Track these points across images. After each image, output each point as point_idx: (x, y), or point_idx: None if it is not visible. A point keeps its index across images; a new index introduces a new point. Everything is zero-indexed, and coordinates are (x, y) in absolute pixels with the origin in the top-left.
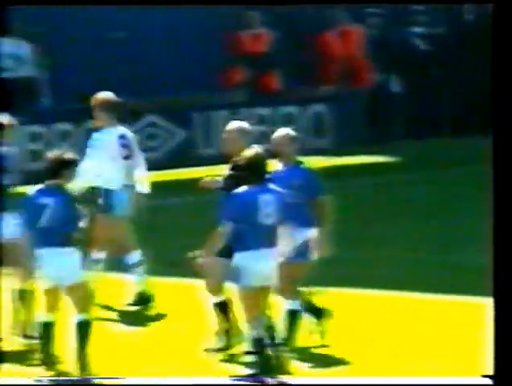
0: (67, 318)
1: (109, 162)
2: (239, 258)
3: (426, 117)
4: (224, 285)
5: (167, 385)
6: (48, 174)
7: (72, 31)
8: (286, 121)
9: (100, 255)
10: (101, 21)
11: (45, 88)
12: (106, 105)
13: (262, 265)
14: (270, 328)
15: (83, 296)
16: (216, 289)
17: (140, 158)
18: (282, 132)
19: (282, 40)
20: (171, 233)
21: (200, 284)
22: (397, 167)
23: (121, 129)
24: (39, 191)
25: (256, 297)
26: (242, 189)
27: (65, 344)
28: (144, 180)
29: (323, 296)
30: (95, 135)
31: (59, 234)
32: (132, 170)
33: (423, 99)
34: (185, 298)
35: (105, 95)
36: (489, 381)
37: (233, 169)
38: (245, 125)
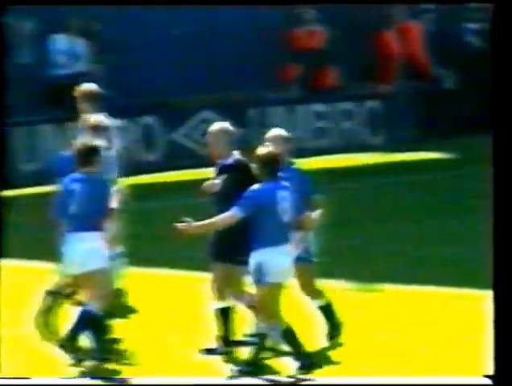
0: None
1: None
2: (260, 255)
3: (481, 113)
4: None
5: (167, 385)
6: (78, 162)
7: (128, 28)
8: (343, 118)
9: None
10: (158, 17)
11: (100, 84)
12: (89, 96)
13: (283, 261)
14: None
15: (100, 286)
16: (219, 294)
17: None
18: (275, 132)
19: (338, 37)
20: None
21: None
22: (452, 163)
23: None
24: (71, 179)
25: (277, 293)
26: (259, 185)
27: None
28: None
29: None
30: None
31: (86, 220)
32: (112, 162)
33: (477, 95)
34: None
35: (88, 86)
36: (489, 381)
37: (220, 171)
38: (227, 126)
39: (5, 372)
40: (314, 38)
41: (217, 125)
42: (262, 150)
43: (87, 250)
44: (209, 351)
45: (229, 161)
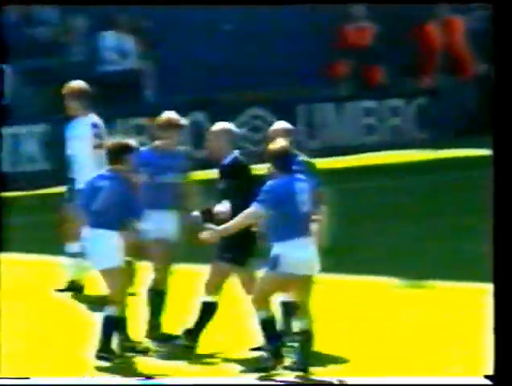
0: None
1: (81, 152)
2: (279, 248)
3: None
4: (220, 289)
5: (167, 385)
6: (109, 159)
7: (177, 24)
8: (392, 114)
9: (75, 247)
10: (208, 14)
11: (149, 81)
12: (78, 94)
13: (302, 254)
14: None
15: (117, 284)
16: (209, 288)
17: None
18: (278, 125)
19: (387, 34)
20: None
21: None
22: None
23: (94, 118)
24: (99, 176)
25: (287, 285)
26: (277, 179)
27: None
28: None
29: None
30: (70, 125)
31: (109, 217)
32: (103, 159)
33: None
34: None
35: (76, 83)
36: (489, 382)
37: (220, 171)
38: (229, 126)
39: (5, 372)
40: (363, 34)
41: (219, 125)
42: (274, 145)
43: (106, 248)
44: (256, 349)
45: (227, 160)
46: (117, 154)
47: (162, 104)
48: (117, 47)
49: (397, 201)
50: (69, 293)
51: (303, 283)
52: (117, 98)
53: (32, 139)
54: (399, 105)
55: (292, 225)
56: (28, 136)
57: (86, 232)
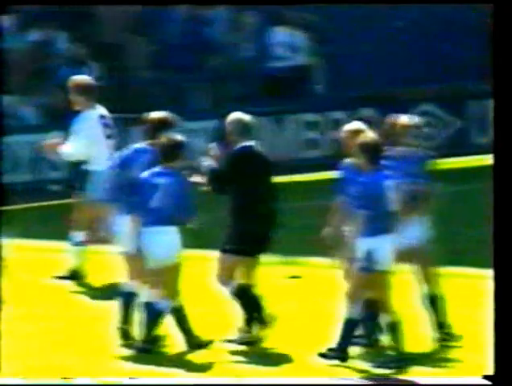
0: None
1: (93, 144)
2: (369, 243)
3: None
4: (233, 278)
5: (167, 385)
6: (161, 156)
7: (347, 20)
8: None
9: (81, 236)
10: (379, 9)
11: (319, 77)
12: (82, 88)
13: (387, 251)
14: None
15: (177, 278)
16: (223, 280)
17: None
18: (354, 126)
19: None
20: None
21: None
22: None
23: (101, 110)
24: (153, 173)
25: (374, 281)
26: (366, 176)
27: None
28: None
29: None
30: (76, 119)
31: (168, 213)
32: (114, 149)
33: None
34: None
35: (80, 78)
36: (488, 382)
37: (226, 158)
38: (243, 116)
39: (5, 372)
40: None
41: (234, 115)
42: (364, 138)
43: (167, 243)
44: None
45: (235, 149)
46: (171, 151)
47: (332, 100)
48: (287, 42)
49: None
50: (70, 282)
51: (385, 278)
52: (287, 94)
53: (204, 135)
54: None
55: (379, 222)
56: (201, 132)
57: (147, 229)
